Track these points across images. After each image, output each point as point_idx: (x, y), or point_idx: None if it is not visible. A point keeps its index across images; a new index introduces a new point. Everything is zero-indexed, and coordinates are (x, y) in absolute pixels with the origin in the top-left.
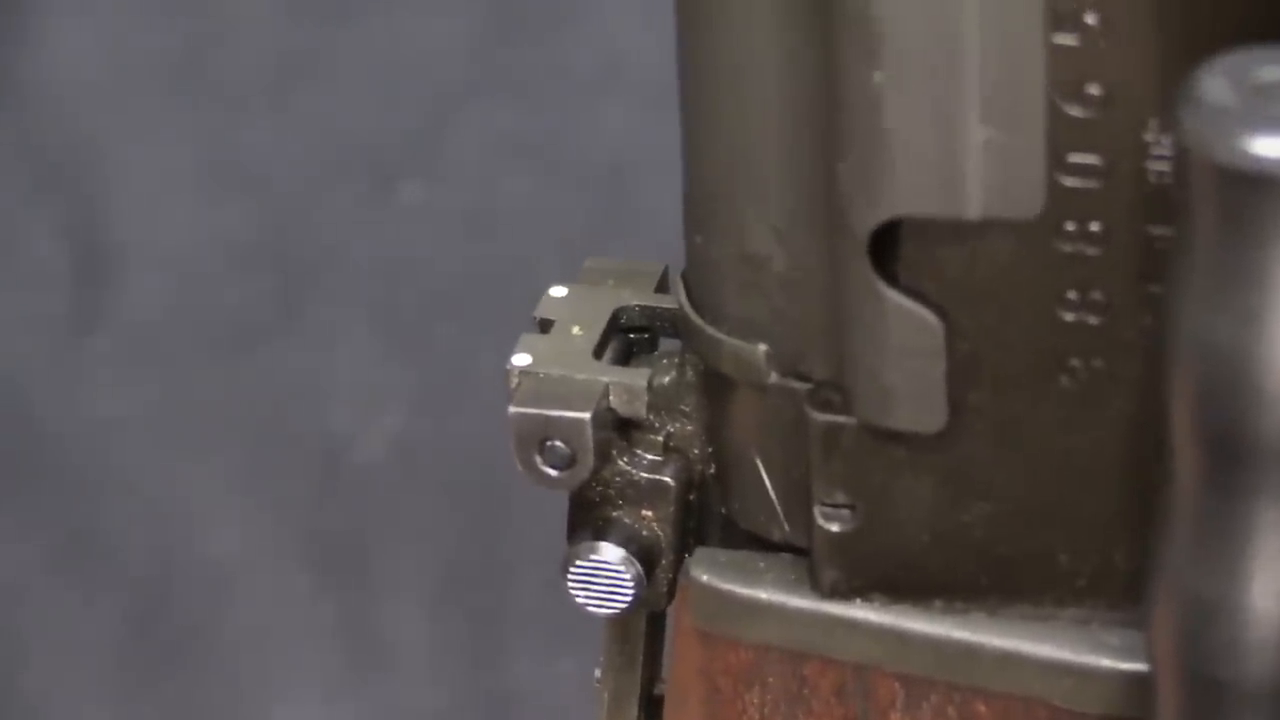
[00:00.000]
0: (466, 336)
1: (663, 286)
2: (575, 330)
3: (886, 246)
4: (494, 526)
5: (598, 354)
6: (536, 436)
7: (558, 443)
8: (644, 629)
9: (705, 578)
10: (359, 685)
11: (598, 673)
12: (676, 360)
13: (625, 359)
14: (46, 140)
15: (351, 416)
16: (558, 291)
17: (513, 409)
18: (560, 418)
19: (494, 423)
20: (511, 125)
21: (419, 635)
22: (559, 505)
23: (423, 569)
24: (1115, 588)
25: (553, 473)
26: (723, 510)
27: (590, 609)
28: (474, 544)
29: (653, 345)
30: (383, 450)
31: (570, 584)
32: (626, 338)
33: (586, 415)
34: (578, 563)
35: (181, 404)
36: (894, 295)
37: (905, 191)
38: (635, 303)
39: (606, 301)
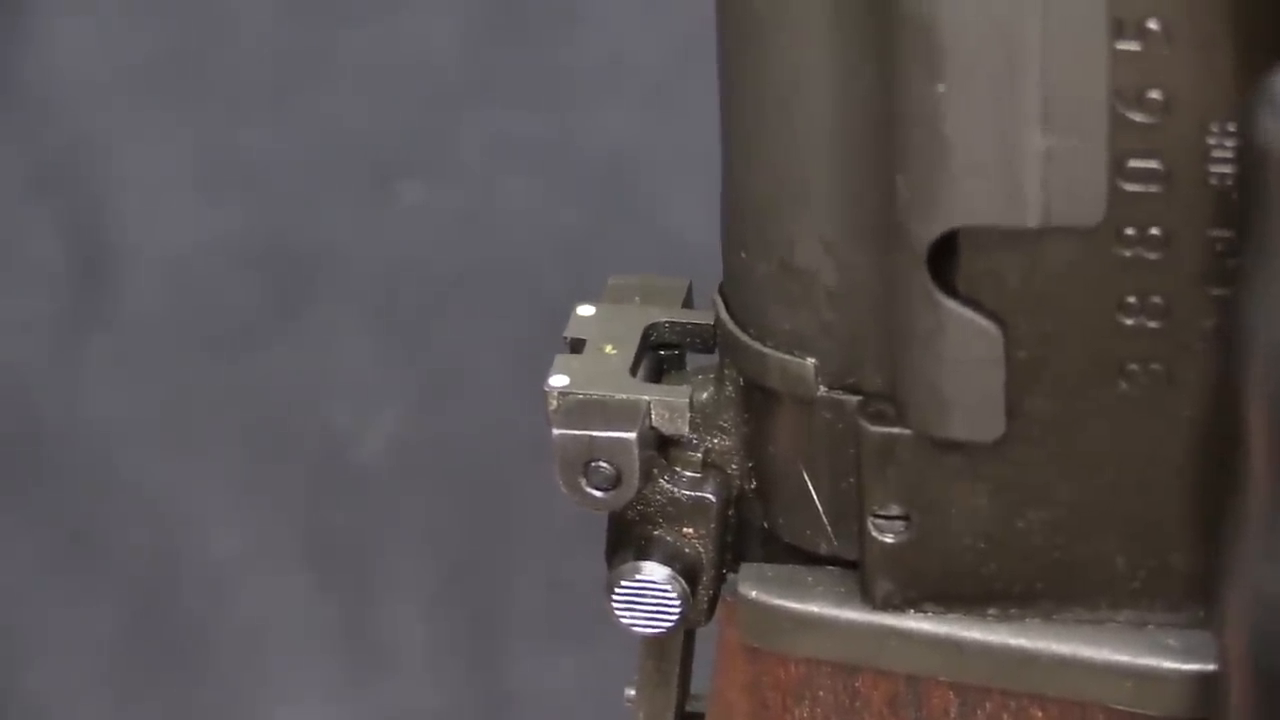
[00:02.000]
0: (466, 336)
1: (688, 301)
2: (609, 349)
3: (943, 256)
4: (494, 526)
5: (633, 372)
6: (581, 458)
7: (603, 464)
8: (681, 646)
9: (755, 594)
10: (359, 685)
11: (630, 691)
12: (713, 375)
13: (656, 376)
14: (46, 140)
15: (351, 416)
16: (585, 310)
17: (556, 431)
18: (605, 438)
19: (494, 423)
20: (511, 125)
21: (419, 636)
22: (558, 506)
23: (423, 569)
24: (1173, 589)
25: (598, 494)
26: (764, 525)
27: (635, 629)
28: (474, 544)
29: (681, 361)
30: (383, 450)
31: (615, 605)
32: (657, 355)
33: (632, 435)
34: (623, 583)
35: (181, 404)
36: (953, 306)
37: (966, 202)
38: (665, 319)
39: (636, 319)
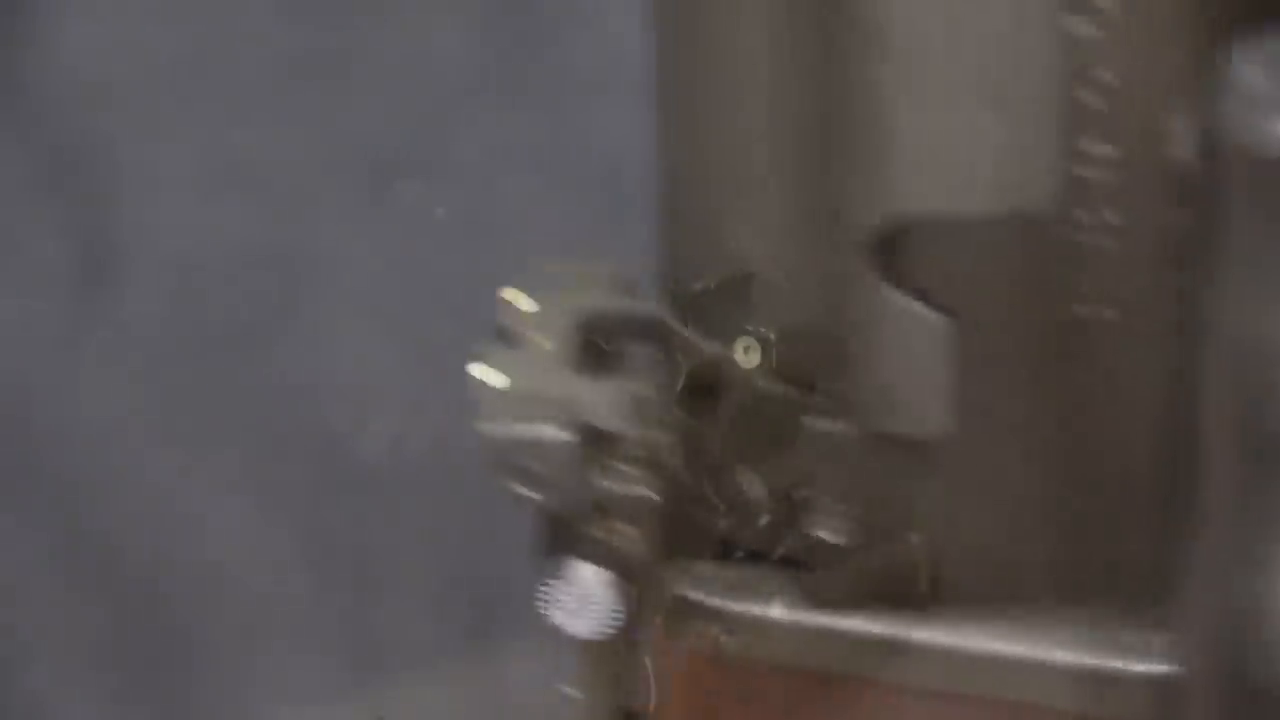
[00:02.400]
0: (466, 336)
1: (628, 288)
2: (543, 341)
3: (888, 246)
4: (494, 526)
5: (568, 365)
6: (513, 457)
7: (537, 463)
8: (620, 646)
9: (701, 596)
10: (359, 685)
11: (566, 690)
12: (653, 369)
13: (593, 368)
14: (48, 140)
15: (351, 416)
16: (516, 297)
17: (484, 428)
18: (539, 438)
19: None
20: (511, 126)
21: (419, 636)
22: None
23: (423, 569)
24: (1128, 589)
25: (531, 494)
26: (705, 523)
27: (570, 631)
28: (474, 544)
29: (619, 352)
30: (383, 450)
31: (547, 607)
32: (594, 345)
33: (567, 434)
34: (555, 584)
35: (181, 404)
36: (899, 297)
37: (911, 190)
38: (602, 309)
39: (572, 307)
